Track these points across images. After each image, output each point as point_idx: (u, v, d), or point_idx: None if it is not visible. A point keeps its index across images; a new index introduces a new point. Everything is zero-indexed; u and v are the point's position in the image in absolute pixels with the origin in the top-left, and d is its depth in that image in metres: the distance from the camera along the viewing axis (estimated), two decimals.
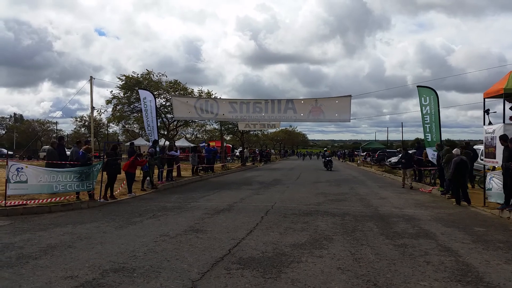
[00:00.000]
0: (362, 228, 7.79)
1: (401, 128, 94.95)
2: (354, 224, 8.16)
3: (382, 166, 31.58)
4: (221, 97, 25.43)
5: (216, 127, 40.65)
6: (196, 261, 5.44)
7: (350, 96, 16.79)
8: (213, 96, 27.92)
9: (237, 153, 47.25)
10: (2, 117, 76.38)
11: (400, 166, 17.95)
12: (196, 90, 29.18)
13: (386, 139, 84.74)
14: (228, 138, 47.41)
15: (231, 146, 48.04)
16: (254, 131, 40.69)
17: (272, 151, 68.87)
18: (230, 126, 35.46)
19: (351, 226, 7.95)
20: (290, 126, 73.06)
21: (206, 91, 29.06)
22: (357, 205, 11.15)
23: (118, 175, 12.25)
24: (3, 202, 9.55)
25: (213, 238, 6.82)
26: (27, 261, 5.41)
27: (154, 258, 5.57)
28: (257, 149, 54.77)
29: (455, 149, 11.63)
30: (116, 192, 12.35)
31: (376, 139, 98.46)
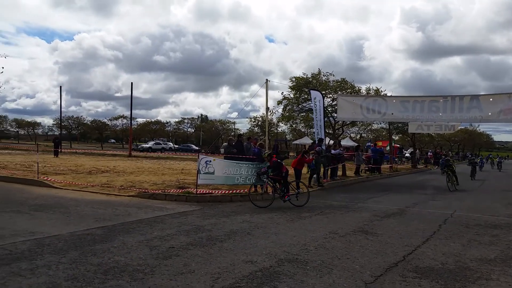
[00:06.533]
0: None
1: None
2: None
3: None
4: (391, 95, 24.20)
5: (384, 126, 38.95)
6: (368, 263, 5.29)
7: None
8: (382, 94, 26.85)
9: (407, 154, 44.24)
10: (192, 118, 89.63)
11: None
12: (363, 88, 28.58)
13: None
14: (396, 138, 44.89)
15: (399, 146, 45.29)
16: (428, 133, 37.57)
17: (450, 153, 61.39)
18: (399, 125, 33.52)
19: None
20: (471, 125, 64.23)
21: (374, 88, 28.21)
22: None
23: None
24: (195, 190, 11.14)
25: (384, 242, 6.52)
26: (214, 242, 6.16)
27: (324, 254, 5.65)
28: (430, 151, 50.14)
29: None
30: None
31: None
